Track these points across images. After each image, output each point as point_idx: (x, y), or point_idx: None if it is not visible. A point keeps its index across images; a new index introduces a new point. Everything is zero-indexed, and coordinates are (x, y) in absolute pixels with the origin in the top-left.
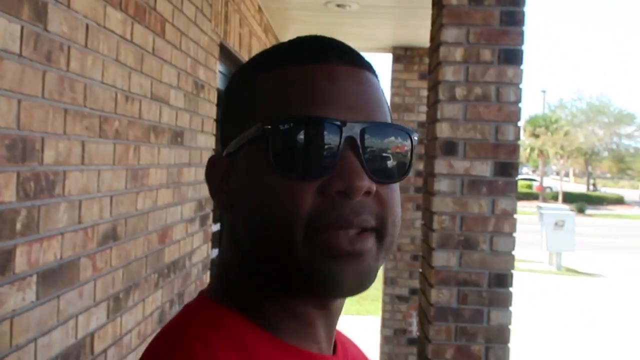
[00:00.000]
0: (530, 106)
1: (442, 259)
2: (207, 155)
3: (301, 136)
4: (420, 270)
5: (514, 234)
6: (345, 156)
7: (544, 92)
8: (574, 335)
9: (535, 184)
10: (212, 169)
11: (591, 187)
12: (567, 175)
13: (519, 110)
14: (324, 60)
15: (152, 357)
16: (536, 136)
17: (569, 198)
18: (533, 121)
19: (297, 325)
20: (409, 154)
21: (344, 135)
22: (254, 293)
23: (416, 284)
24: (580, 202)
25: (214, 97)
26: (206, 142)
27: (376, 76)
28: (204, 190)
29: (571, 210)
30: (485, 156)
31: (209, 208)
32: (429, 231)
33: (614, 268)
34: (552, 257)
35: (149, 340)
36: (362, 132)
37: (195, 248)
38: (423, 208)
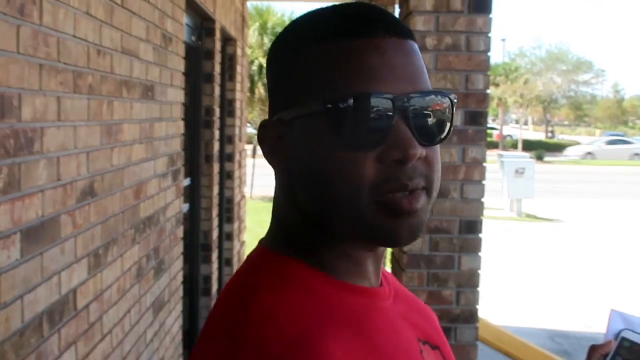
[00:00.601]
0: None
1: None
2: (177, 110)
3: (359, 112)
4: None
5: (484, 182)
6: (398, 126)
7: (503, 40)
8: (535, 277)
9: (496, 133)
10: (265, 133)
11: (549, 135)
12: (526, 123)
13: (488, 59)
14: (372, 34)
15: (229, 312)
16: (496, 85)
17: (528, 146)
18: (493, 70)
19: (351, 266)
20: (450, 116)
21: (396, 107)
22: (314, 243)
23: None
24: (539, 149)
25: (181, 50)
26: (176, 97)
27: (416, 42)
28: (176, 145)
29: (531, 157)
30: (457, 106)
31: (180, 163)
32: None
33: (572, 213)
34: (513, 203)
35: (128, 295)
36: (411, 103)
37: (169, 203)
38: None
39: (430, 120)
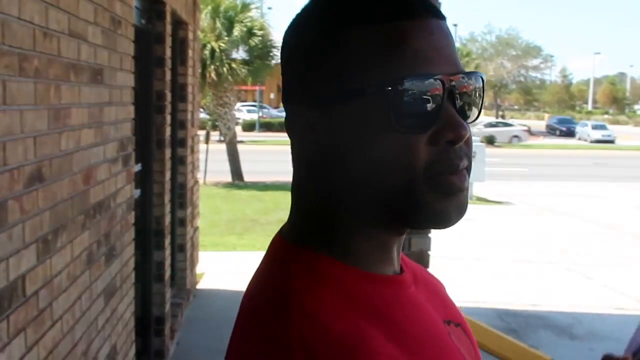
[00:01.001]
0: None
1: None
2: (127, 94)
3: (413, 94)
4: None
5: None
6: (447, 108)
7: (455, 26)
8: (485, 258)
9: None
10: (294, 120)
11: (500, 119)
12: None
13: None
14: (415, 16)
15: (267, 316)
16: None
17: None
18: None
19: (378, 253)
20: (483, 96)
21: (445, 88)
22: (341, 234)
23: None
24: (490, 133)
25: (131, 33)
26: (125, 81)
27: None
28: (126, 130)
29: (481, 141)
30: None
31: (131, 148)
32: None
33: (522, 196)
34: None
35: (79, 281)
36: (457, 84)
37: (119, 188)
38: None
39: (470, 101)
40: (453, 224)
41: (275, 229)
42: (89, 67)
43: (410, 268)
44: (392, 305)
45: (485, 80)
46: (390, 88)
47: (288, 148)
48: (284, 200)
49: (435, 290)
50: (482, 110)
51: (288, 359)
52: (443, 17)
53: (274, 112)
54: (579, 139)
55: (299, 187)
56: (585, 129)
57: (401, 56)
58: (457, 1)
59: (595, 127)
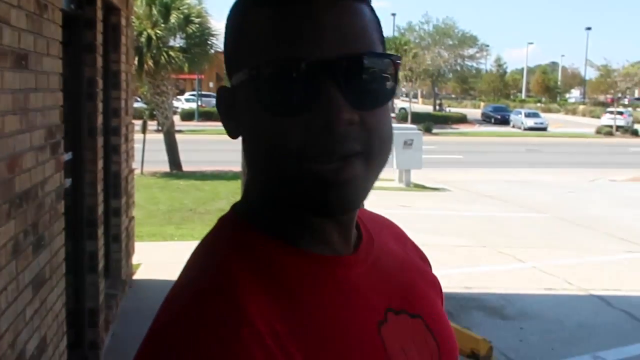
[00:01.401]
0: None
1: None
2: (54, 80)
3: (283, 77)
4: None
5: None
6: (325, 91)
7: (393, 15)
8: (421, 243)
9: None
10: (218, 99)
11: (438, 108)
12: (415, 96)
13: None
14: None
15: (186, 272)
16: None
17: (417, 118)
18: None
19: (310, 234)
20: (392, 78)
21: (323, 71)
22: (270, 210)
23: None
24: (428, 121)
25: (58, 18)
26: (53, 67)
27: (368, 4)
28: (54, 117)
29: (419, 129)
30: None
31: (59, 136)
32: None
33: (458, 182)
34: (402, 174)
35: (4, 272)
36: (341, 65)
37: (48, 177)
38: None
39: (367, 84)
40: (338, 214)
41: (214, 218)
42: (13, 51)
43: (376, 251)
44: (303, 280)
45: (397, 62)
46: (255, 72)
47: (227, 138)
48: (223, 190)
49: (394, 267)
50: (395, 94)
51: (178, 296)
52: None
53: (214, 101)
54: (513, 126)
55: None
56: (519, 117)
57: (277, 37)
58: None
59: (528, 115)
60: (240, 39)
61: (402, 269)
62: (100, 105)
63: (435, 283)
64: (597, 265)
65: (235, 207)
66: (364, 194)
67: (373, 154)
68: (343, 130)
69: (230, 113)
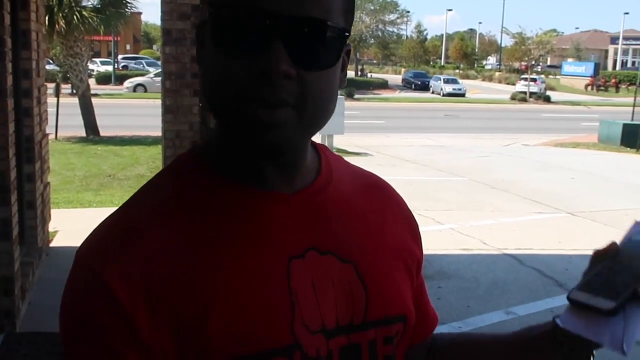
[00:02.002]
0: None
1: None
2: None
3: (236, 21)
4: None
5: None
6: (273, 43)
7: None
8: None
9: None
10: (197, 30)
11: (359, 73)
12: None
13: None
14: None
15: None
16: None
17: None
18: None
19: (249, 168)
20: (336, 49)
21: (274, 24)
22: (220, 147)
23: None
24: (350, 87)
25: None
26: None
27: None
28: None
29: (341, 95)
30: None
31: None
32: (206, 113)
33: (379, 147)
34: (325, 139)
35: None
36: (292, 24)
37: None
38: (200, 91)
39: (311, 46)
40: (268, 156)
41: (134, 184)
42: None
43: (327, 186)
44: (220, 206)
45: (345, 34)
46: (213, 10)
47: (146, 101)
48: (143, 155)
49: (343, 214)
50: (335, 62)
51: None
52: None
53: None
54: (433, 92)
55: None
56: (438, 83)
57: None
58: None
59: (447, 81)
60: None
61: (351, 220)
62: (9, 66)
63: (396, 245)
64: (511, 226)
65: (196, 144)
66: (291, 143)
67: (305, 110)
68: (278, 81)
69: (200, 52)
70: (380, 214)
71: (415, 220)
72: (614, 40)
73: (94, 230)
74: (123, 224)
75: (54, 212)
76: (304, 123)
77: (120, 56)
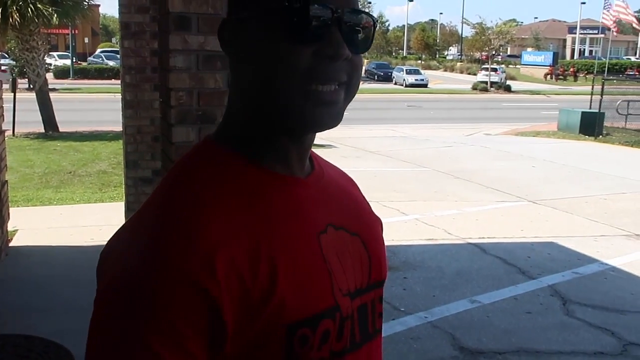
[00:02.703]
0: None
1: (182, 134)
2: None
3: (306, 13)
4: (162, 149)
5: None
6: (333, 31)
7: None
8: None
9: None
10: (222, 30)
11: None
12: None
13: None
14: None
15: (160, 187)
16: None
17: None
18: None
19: (276, 155)
20: (372, 34)
21: (334, 16)
22: (251, 136)
23: (159, 165)
24: None
25: None
26: None
27: None
28: None
29: None
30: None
31: None
32: (167, 108)
33: (343, 138)
34: None
35: None
36: (345, 15)
37: None
38: (160, 86)
39: (358, 34)
40: (323, 129)
41: (96, 180)
42: None
43: (326, 179)
44: (264, 190)
45: (376, 22)
46: (287, 4)
47: (106, 96)
48: (104, 151)
49: (339, 196)
50: (371, 45)
51: (149, 218)
52: None
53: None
54: (396, 83)
55: (229, 94)
56: (400, 74)
57: None
58: None
59: (409, 72)
60: None
61: (347, 199)
62: None
63: (376, 219)
64: (474, 215)
65: (209, 136)
66: (340, 117)
67: (351, 86)
68: (341, 62)
69: (234, 43)
70: (358, 195)
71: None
72: (571, 29)
73: (153, 219)
74: (186, 222)
75: (13, 211)
76: (348, 98)
77: (99, 50)
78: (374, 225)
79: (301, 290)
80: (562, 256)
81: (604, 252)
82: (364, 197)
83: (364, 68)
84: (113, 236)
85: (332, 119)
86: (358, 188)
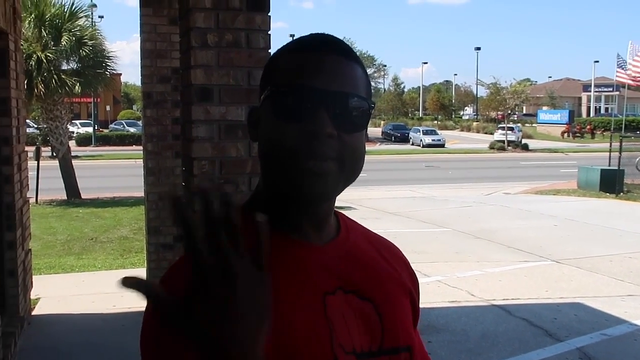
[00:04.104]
0: None
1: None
2: None
3: (293, 95)
4: None
5: None
6: (318, 111)
7: (292, 36)
8: None
9: None
10: (250, 114)
11: None
12: None
13: (268, 56)
14: (318, 50)
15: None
16: None
17: None
18: None
19: (290, 222)
20: (366, 115)
21: (319, 97)
22: (270, 201)
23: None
24: None
25: None
26: None
27: (360, 65)
28: None
29: None
30: (239, 101)
31: None
32: (190, 177)
33: (362, 200)
34: None
35: None
36: (333, 96)
37: None
38: (182, 155)
39: (346, 114)
40: (315, 199)
41: (117, 247)
42: None
43: (345, 248)
44: (281, 258)
45: (371, 105)
46: (277, 88)
47: (127, 162)
48: (126, 217)
49: (361, 262)
50: (365, 126)
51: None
52: (347, 57)
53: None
54: (413, 143)
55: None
56: (417, 135)
57: (294, 72)
58: (296, 14)
59: (426, 133)
60: (271, 71)
61: (368, 266)
62: None
63: (404, 288)
64: (497, 276)
65: (244, 199)
66: (333, 190)
67: (345, 162)
68: (324, 139)
69: (255, 125)
70: (391, 266)
71: (417, 280)
72: (586, 87)
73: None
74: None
75: (36, 279)
76: (343, 174)
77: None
78: (395, 292)
79: (289, 342)
80: (589, 317)
81: (632, 312)
82: (402, 263)
83: (381, 129)
84: None
85: (321, 193)
86: (402, 258)
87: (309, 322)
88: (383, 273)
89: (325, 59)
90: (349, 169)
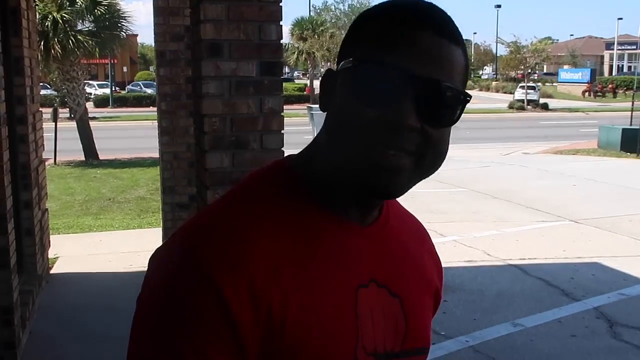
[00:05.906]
0: (296, 9)
1: (216, 160)
2: None
3: (374, 76)
4: (196, 175)
5: (282, 131)
6: (404, 98)
7: None
8: None
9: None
10: (324, 77)
11: None
12: None
13: (279, 10)
14: (413, 25)
15: (215, 209)
16: (304, 39)
17: None
18: (300, 24)
19: (336, 202)
20: (458, 110)
21: (406, 82)
22: (322, 174)
23: (195, 190)
24: None
25: None
26: None
27: (462, 49)
28: None
29: None
30: (250, 56)
31: None
32: (201, 134)
33: None
34: None
35: None
36: (422, 83)
37: None
38: (194, 112)
39: (440, 107)
40: (381, 196)
41: (134, 207)
42: None
43: (387, 224)
44: (316, 231)
45: (468, 99)
46: (363, 63)
47: (145, 123)
48: (143, 177)
49: (396, 253)
50: (456, 121)
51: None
52: (450, 41)
53: (136, 88)
54: None
55: (319, 132)
56: None
57: (389, 48)
58: None
59: None
60: (358, 38)
61: (401, 258)
62: (2, 93)
63: (429, 286)
64: (514, 236)
65: (289, 159)
66: (405, 187)
67: (424, 159)
68: (405, 132)
69: (329, 90)
70: (420, 256)
71: (441, 266)
72: (609, 45)
73: (197, 227)
74: (234, 231)
75: (54, 238)
76: (420, 170)
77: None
78: (421, 290)
79: (315, 337)
80: (607, 277)
81: None
82: (432, 256)
83: None
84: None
85: (392, 187)
86: (429, 244)
87: (338, 318)
88: (415, 264)
89: (421, 38)
90: (427, 165)
